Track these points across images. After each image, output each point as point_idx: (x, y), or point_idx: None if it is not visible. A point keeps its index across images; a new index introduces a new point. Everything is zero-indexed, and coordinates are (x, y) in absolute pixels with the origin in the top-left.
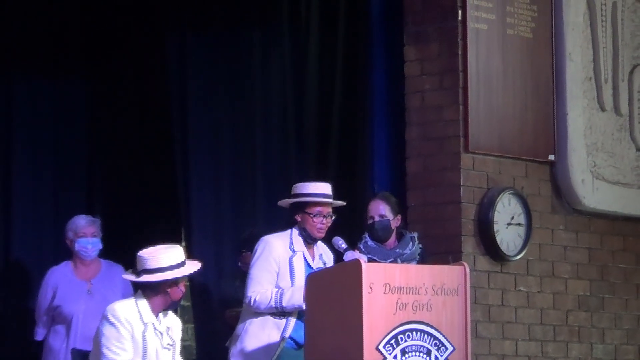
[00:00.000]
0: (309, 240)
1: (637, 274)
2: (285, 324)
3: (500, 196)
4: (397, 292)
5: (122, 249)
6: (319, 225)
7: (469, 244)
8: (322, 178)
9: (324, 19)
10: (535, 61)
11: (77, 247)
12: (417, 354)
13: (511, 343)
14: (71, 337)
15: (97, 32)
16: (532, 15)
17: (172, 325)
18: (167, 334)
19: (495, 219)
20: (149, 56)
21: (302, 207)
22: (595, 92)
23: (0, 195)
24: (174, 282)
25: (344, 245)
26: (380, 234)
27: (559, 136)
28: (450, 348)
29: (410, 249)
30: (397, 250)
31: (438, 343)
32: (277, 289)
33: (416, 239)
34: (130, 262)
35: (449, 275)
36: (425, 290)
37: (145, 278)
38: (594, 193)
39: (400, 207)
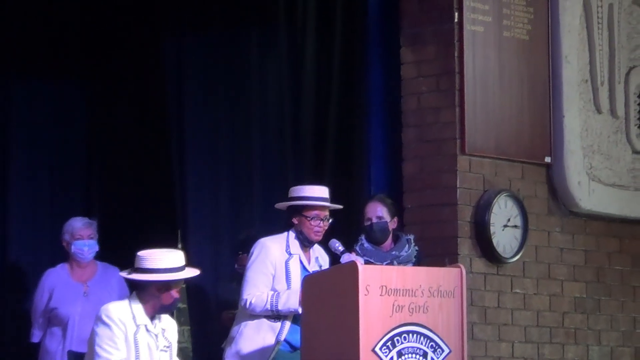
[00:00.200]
0: (306, 243)
1: (633, 276)
2: (281, 326)
3: (496, 198)
4: (394, 294)
5: (118, 251)
6: (316, 229)
7: (465, 246)
8: (318, 180)
9: (320, 21)
10: (531, 63)
11: (73, 249)
12: (414, 356)
13: (507, 345)
14: (67, 339)
15: (95, 33)
16: (529, 17)
17: (168, 327)
18: (163, 335)
19: (491, 221)
20: (147, 57)
21: (299, 210)
22: (592, 94)
23: None
24: (165, 286)
25: (340, 248)
26: (378, 235)
27: (555, 138)
28: (446, 350)
29: (406, 251)
30: (394, 253)
31: (434, 345)
32: (273, 292)
33: (412, 241)
34: (126, 265)
35: (446, 277)
36: (422, 292)
37: (134, 276)
38: (590, 195)
39: (397, 209)
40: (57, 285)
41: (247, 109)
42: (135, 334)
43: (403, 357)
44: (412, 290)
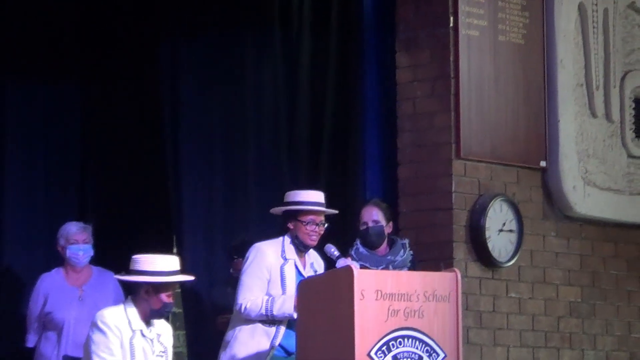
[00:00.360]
0: (301, 248)
1: (629, 280)
2: (275, 331)
3: (491, 202)
4: (389, 298)
5: (113, 256)
6: (312, 234)
7: (460, 251)
8: (313, 184)
9: (316, 25)
10: (526, 68)
11: (68, 253)
12: None
13: (502, 349)
14: (62, 344)
15: (91, 36)
16: (524, 21)
17: (163, 331)
18: (158, 340)
19: (486, 226)
20: (143, 59)
21: (294, 215)
22: (587, 98)
23: None
24: (153, 288)
25: (336, 253)
26: (374, 239)
27: (550, 143)
28: (441, 354)
29: (401, 256)
30: (389, 257)
31: (430, 349)
32: (268, 297)
33: (407, 245)
34: (121, 269)
35: (441, 281)
36: (417, 297)
37: (125, 276)
38: (585, 199)
39: (392, 214)
40: (52, 289)
41: (243, 113)
42: (131, 339)
43: None
44: (408, 295)
